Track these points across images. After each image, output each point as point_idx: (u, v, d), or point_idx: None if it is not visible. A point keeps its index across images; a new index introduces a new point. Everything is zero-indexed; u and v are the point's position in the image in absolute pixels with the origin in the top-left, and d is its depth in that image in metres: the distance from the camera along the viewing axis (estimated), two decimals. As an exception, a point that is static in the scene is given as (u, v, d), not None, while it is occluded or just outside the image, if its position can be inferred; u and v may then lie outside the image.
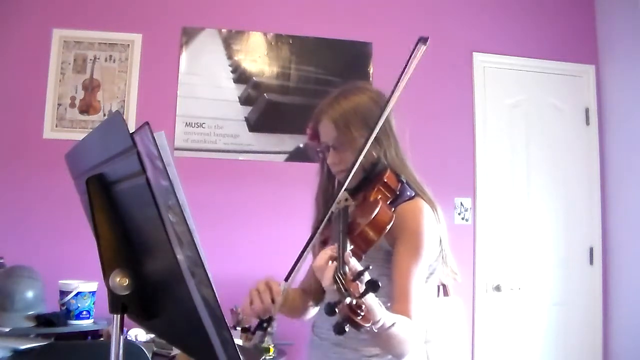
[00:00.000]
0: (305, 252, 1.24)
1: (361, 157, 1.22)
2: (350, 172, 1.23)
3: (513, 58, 3.48)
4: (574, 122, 3.53)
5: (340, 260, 0.96)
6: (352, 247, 1.06)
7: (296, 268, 1.24)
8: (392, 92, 1.24)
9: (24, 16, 3.09)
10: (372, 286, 0.87)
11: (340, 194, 1.23)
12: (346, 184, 1.23)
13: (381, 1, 3.44)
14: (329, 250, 1.02)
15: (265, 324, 1.22)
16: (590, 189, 3.48)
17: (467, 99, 3.42)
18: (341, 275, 0.91)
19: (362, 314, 0.86)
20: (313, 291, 1.40)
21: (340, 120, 1.29)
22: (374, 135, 1.23)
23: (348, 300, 0.86)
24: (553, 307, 3.37)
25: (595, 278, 3.41)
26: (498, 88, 3.47)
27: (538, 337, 3.33)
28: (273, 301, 1.19)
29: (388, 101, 1.24)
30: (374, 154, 1.29)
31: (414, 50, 1.22)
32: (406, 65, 1.22)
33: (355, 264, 0.96)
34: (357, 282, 0.89)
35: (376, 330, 0.96)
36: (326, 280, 0.95)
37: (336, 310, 0.86)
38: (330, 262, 0.98)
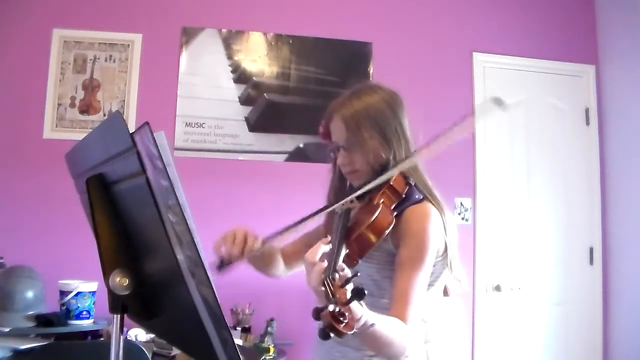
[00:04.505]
0: (295, 227, 1.26)
1: (379, 180, 1.22)
2: (366, 185, 1.23)
3: (513, 58, 3.48)
4: (574, 122, 3.52)
5: (331, 265, 0.95)
6: (347, 251, 1.06)
7: (279, 236, 1.26)
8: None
9: (24, 16, 3.09)
10: (357, 294, 0.87)
11: (348, 198, 1.23)
12: (358, 192, 1.23)
13: (381, 1, 3.43)
14: (323, 250, 1.01)
15: (221, 267, 1.22)
16: (590, 188, 3.48)
17: (467, 99, 3.42)
18: (330, 281, 0.91)
19: (345, 321, 0.87)
20: (288, 255, 1.44)
21: (351, 120, 1.28)
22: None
23: (331, 307, 0.86)
24: (553, 307, 3.37)
25: (595, 278, 3.41)
26: (498, 88, 3.46)
27: (538, 337, 3.33)
28: (242, 253, 1.21)
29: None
30: (384, 155, 1.27)
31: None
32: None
33: (346, 271, 0.95)
34: (345, 288, 0.89)
35: (356, 330, 0.95)
36: (313, 281, 0.95)
37: (320, 316, 0.87)
38: (320, 261, 0.98)
